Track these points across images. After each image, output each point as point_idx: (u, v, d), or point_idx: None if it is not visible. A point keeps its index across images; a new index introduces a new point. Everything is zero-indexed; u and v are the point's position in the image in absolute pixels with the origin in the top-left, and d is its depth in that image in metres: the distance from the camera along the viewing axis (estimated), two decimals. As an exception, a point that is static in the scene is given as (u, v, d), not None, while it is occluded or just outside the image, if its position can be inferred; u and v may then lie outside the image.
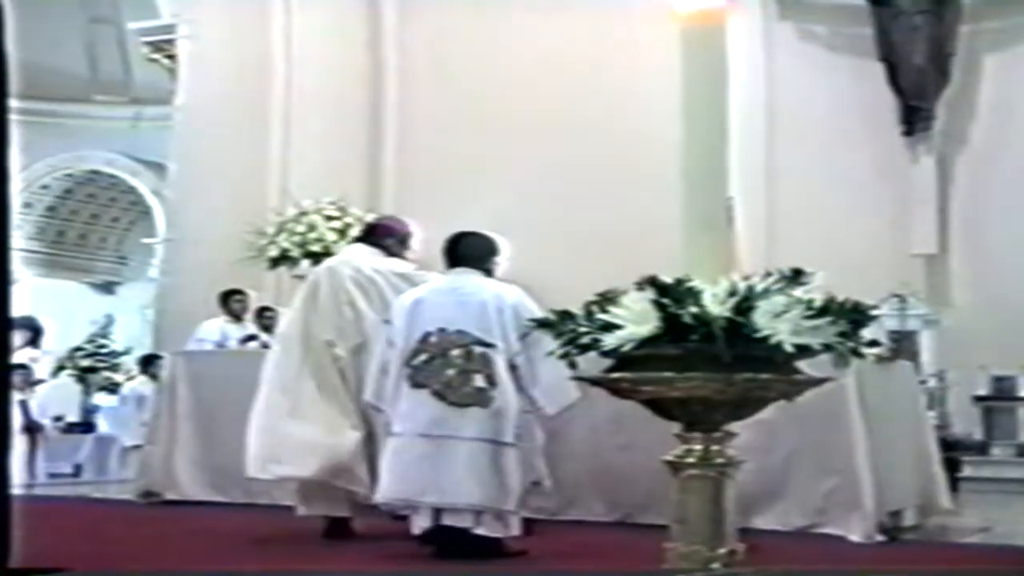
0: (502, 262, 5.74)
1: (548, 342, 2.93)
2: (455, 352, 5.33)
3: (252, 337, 9.78)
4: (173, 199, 14.16)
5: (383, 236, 6.36)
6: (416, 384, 5.37)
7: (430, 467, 5.31)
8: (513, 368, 5.34)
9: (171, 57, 14.01)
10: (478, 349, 5.32)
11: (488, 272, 5.62)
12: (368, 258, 6.21)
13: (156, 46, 14.42)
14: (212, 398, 8.09)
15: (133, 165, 18.20)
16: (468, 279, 5.53)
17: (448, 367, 5.33)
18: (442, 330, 5.36)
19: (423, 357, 5.37)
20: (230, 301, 10.26)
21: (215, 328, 10.08)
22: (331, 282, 6.16)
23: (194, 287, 11.54)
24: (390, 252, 6.27)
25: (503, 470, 5.29)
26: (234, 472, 7.87)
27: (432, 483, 5.30)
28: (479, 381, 5.31)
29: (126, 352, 17.13)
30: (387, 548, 5.67)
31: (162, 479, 8.10)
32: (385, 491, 5.43)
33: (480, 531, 5.30)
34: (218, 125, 12.89)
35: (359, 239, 6.65)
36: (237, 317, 10.23)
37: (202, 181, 12.86)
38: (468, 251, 5.67)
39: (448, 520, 5.31)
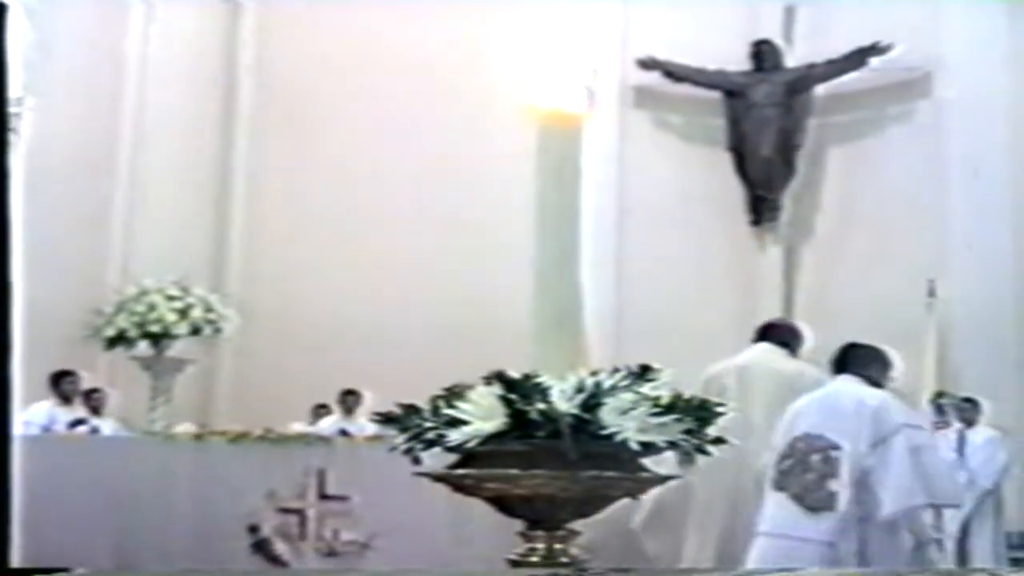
0: (894, 376, 5.93)
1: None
2: (815, 457, 5.53)
3: (81, 421, 9.41)
4: (7, 274, 13.66)
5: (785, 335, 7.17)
6: (779, 487, 5.58)
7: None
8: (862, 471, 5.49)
9: (10, 130, 13.59)
10: (833, 453, 5.50)
11: (873, 381, 5.77)
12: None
13: (-3, 117, 13.99)
14: (38, 485, 7.68)
15: (-34, 238, 17.57)
16: (843, 386, 5.75)
17: (808, 471, 5.53)
18: (807, 435, 5.59)
19: (789, 462, 5.59)
20: (62, 383, 9.85)
21: (43, 411, 9.66)
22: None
23: (22, 367, 11.06)
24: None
25: None
26: (58, 560, 7.51)
27: None
28: (833, 485, 5.47)
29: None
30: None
31: (-19, 571, 7.65)
32: None
33: None
34: (58, 198, 12.48)
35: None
36: (67, 399, 9.83)
37: (37, 256, 12.41)
38: (851, 359, 5.85)
39: None
